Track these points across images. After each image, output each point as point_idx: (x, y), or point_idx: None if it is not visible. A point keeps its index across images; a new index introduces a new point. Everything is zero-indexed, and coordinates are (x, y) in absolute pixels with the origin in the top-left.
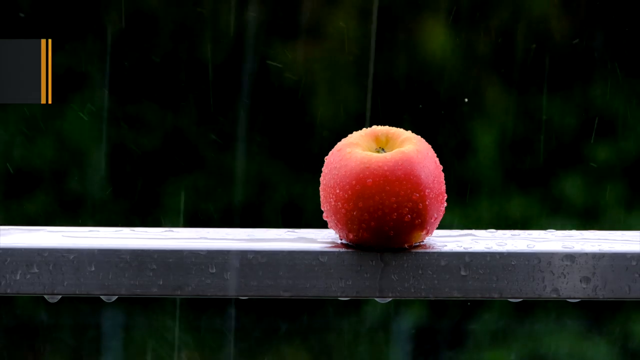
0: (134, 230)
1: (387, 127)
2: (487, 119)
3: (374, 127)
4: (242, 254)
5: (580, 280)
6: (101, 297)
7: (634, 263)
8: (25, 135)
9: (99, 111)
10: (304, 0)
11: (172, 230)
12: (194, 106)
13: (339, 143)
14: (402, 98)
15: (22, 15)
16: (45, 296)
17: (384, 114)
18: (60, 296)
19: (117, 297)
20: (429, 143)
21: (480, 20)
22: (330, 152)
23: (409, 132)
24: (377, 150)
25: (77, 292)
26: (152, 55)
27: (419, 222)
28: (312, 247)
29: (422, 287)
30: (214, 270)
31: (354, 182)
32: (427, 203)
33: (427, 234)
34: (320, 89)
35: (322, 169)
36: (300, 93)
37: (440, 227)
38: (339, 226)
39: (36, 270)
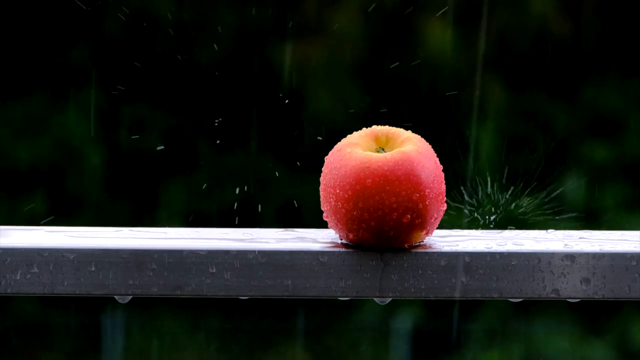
0: (133, 230)
1: (387, 127)
2: (487, 119)
3: (374, 127)
4: (242, 254)
5: (580, 281)
6: (115, 297)
7: (634, 263)
8: (24, 134)
9: (99, 111)
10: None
11: (172, 230)
12: (193, 106)
13: (339, 143)
14: (402, 98)
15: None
16: (116, 297)
17: (384, 114)
18: (130, 297)
19: (131, 297)
20: (429, 143)
21: (480, 20)
22: (330, 152)
23: (409, 132)
24: (377, 150)
25: (77, 292)
26: (152, 54)
27: (419, 222)
28: (312, 247)
29: (422, 287)
30: (214, 270)
31: (354, 182)
32: (427, 203)
33: (427, 234)
34: (320, 89)
35: (322, 169)
36: (300, 92)
37: (440, 227)
38: (339, 226)
39: (36, 270)
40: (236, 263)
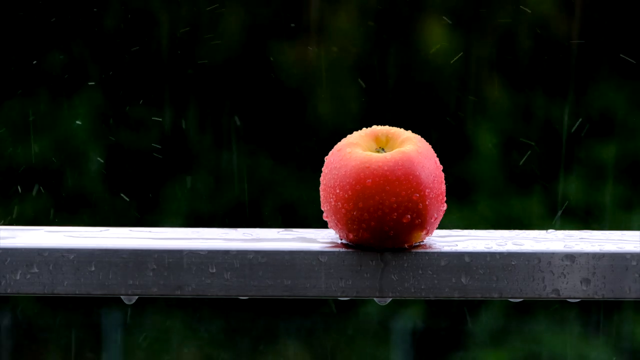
0: (133, 230)
1: (387, 127)
2: (487, 119)
3: (374, 127)
4: (242, 254)
5: (580, 281)
6: (122, 297)
7: (634, 263)
8: (24, 134)
9: (98, 110)
10: (306, 0)
11: (172, 230)
12: (194, 106)
13: (339, 143)
14: (402, 98)
15: (21, 14)
16: (122, 297)
17: (384, 114)
18: (136, 297)
19: (137, 297)
20: (429, 143)
21: (480, 21)
22: (330, 152)
23: (409, 132)
24: (377, 150)
25: (77, 292)
26: (152, 55)
27: (419, 222)
28: (312, 247)
29: (422, 287)
30: (214, 270)
31: (354, 182)
32: (427, 203)
33: (427, 234)
34: (320, 89)
35: (322, 169)
36: (301, 93)
37: (440, 227)
38: (339, 226)
39: (36, 270)
40: (236, 263)
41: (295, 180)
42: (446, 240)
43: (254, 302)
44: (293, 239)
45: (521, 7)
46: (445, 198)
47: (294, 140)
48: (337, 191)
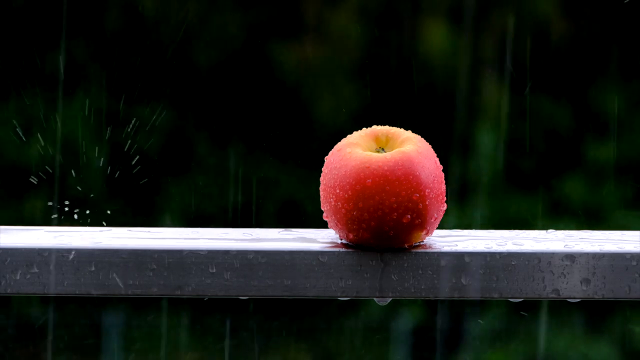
0: (133, 230)
1: (387, 127)
2: (487, 119)
3: (374, 127)
4: (242, 254)
5: (580, 281)
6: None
7: (634, 263)
8: (24, 134)
9: (98, 110)
10: (305, 0)
11: (172, 230)
12: (194, 106)
13: (339, 143)
14: (402, 98)
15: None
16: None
17: (384, 114)
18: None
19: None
20: (429, 143)
21: (480, 20)
22: (330, 152)
23: (409, 132)
24: (377, 150)
25: (77, 292)
26: (152, 54)
27: (419, 222)
28: (312, 247)
29: (422, 287)
30: (214, 270)
31: (354, 182)
32: (427, 203)
33: (427, 234)
34: (320, 89)
35: (322, 169)
36: (301, 93)
37: (440, 227)
38: (339, 226)
39: (36, 270)
40: (236, 263)
41: (295, 180)
42: (446, 240)
43: (254, 302)
44: (293, 239)
45: (521, 7)
46: (445, 198)
47: (293, 140)
48: (337, 191)
